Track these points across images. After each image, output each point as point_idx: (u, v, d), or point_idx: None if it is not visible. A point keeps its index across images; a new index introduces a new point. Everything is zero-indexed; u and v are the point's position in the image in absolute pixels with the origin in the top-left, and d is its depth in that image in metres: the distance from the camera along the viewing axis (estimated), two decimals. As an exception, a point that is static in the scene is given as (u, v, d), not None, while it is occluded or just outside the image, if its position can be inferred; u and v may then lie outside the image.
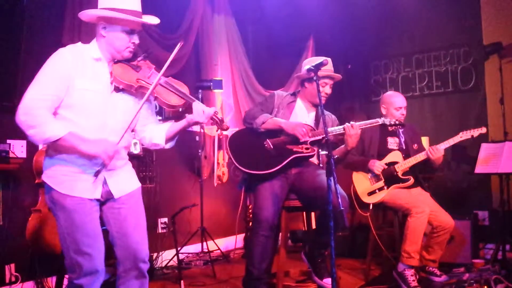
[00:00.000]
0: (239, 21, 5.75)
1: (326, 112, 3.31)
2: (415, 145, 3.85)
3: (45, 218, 3.38)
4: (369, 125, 3.21)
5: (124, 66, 2.20)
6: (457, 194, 4.87)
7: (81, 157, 2.12)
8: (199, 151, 4.80)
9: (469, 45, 5.01)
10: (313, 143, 3.12)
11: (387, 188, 3.67)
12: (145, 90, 2.18)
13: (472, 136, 3.61)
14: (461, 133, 3.62)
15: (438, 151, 3.58)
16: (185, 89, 2.27)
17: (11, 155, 3.28)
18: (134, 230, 2.26)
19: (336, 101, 5.56)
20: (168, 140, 2.36)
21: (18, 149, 3.49)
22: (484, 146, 4.15)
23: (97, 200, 2.20)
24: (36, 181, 3.47)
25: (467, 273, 3.60)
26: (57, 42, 3.76)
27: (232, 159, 3.16)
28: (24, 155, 3.54)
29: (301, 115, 3.29)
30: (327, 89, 3.23)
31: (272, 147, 3.13)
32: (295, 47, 5.84)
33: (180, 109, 2.35)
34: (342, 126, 3.13)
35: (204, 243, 4.53)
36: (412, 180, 3.66)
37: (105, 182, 2.22)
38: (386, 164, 3.70)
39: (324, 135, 2.99)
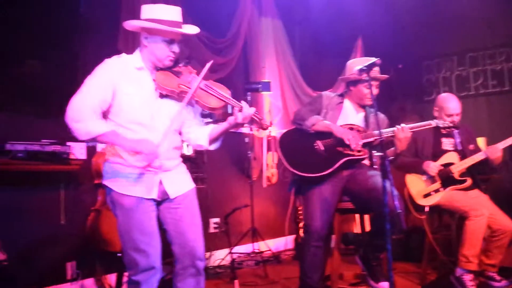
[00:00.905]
0: (286, 23, 5.78)
1: (374, 111, 3.27)
2: (471, 145, 3.73)
3: (104, 217, 3.50)
4: (421, 128, 3.13)
5: (166, 73, 2.29)
6: (516, 196, 4.67)
7: (138, 157, 2.19)
8: (249, 152, 4.84)
9: (526, 43, 4.82)
10: (364, 145, 3.06)
11: (443, 189, 3.57)
12: (184, 93, 2.25)
13: None
14: None
15: (496, 150, 3.46)
16: (226, 92, 2.31)
17: (71, 156, 3.42)
18: (191, 228, 2.33)
19: (386, 101, 5.46)
20: (211, 141, 2.40)
21: (78, 151, 3.63)
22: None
23: (154, 200, 2.28)
24: (95, 181, 3.60)
25: (529, 277, 3.46)
26: (112, 50, 3.87)
27: (283, 160, 3.12)
28: (84, 156, 3.68)
29: (350, 116, 3.23)
30: (373, 90, 3.11)
31: (323, 148, 3.08)
32: (342, 48, 5.78)
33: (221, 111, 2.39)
34: (392, 128, 3.04)
35: (255, 244, 4.56)
36: (469, 181, 3.55)
37: (161, 183, 2.29)
38: (441, 165, 3.61)
39: (376, 137, 2.99)
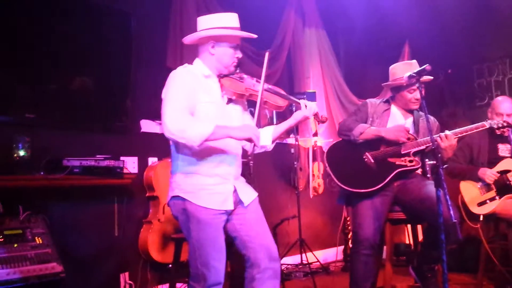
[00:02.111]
0: (330, 32, 5.76)
1: (422, 115, 3.14)
2: (529, 152, 3.57)
3: (155, 229, 3.60)
4: (469, 132, 2.95)
5: (230, 79, 2.37)
6: None
7: (214, 169, 2.26)
8: (294, 163, 4.83)
9: None
10: (416, 153, 2.96)
11: (499, 198, 3.43)
12: (254, 96, 2.34)
13: None
14: None
15: None
16: (284, 92, 2.47)
17: (124, 171, 3.52)
18: (264, 230, 2.35)
19: (437, 107, 5.32)
20: (274, 140, 2.49)
21: (130, 165, 3.76)
22: None
23: (228, 211, 2.29)
24: (147, 194, 3.72)
25: None
26: (162, 65, 4.03)
27: (332, 176, 3.04)
28: (136, 170, 3.80)
29: (399, 122, 3.14)
30: (416, 95, 3.03)
31: (373, 161, 2.99)
32: (388, 54, 5.66)
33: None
34: (435, 136, 2.89)
35: (303, 255, 4.53)
36: (527, 190, 3.40)
37: (234, 192, 2.32)
38: (498, 172, 3.47)
39: (427, 144, 2.90)
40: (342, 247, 5.22)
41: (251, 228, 2.32)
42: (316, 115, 2.47)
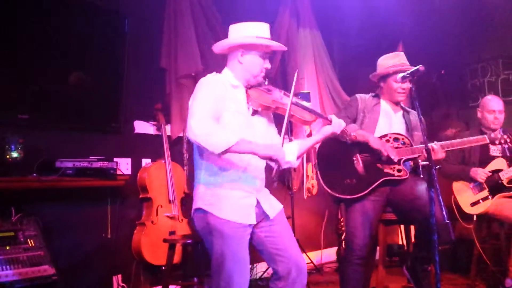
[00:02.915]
0: (325, 33, 5.75)
1: (412, 110, 3.16)
2: (520, 151, 3.60)
3: (148, 231, 3.59)
4: (468, 144, 2.95)
5: (258, 90, 2.34)
6: None
7: (238, 181, 2.22)
8: (289, 164, 4.82)
9: None
10: (407, 160, 2.93)
11: (492, 197, 3.46)
12: (281, 110, 2.29)
13: None
14: None
15: None
16: (312, 107, 2.43)
17: (118, 172, 3.51)
18: (291, 242, 2.31)
19: (429, 107, 5.35)
20: (298, 157, 2.39)
21: (123, 166, 3.75)
22: None
23: (251, 225, 2.24)
24: (140, 196, 3.70)
25: None
26: (155, 66, 4.02)
27: (321, 180, 3.01)
28: (129, 172, 3.79)
29: (388, 116, 3.12)
30: (405, 85, 3.00)
31: (361, 165, 2.96)
32: (382, 55, 5.70)
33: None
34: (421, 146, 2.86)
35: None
36: (519, 188, 3.43)
37: (257, 205, 2.27)
38: (489, 171, 3.49)
39: (420, 154, 2.86)
40: (336, 248, 5.23)
41: (278, 240, 2.27)
42: (344, 132, 2.43)
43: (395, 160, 2.85)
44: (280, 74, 5.39)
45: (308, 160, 5.26)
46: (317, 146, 3.17)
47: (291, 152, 2.32)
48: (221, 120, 2.19)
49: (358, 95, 3.20)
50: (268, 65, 2.33)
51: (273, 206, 2.36)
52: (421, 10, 5.43)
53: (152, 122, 3.95)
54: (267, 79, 2.38)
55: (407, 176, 2.86)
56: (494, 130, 3.63)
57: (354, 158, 2.97)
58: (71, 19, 3.48)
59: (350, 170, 2.94)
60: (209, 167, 2.23)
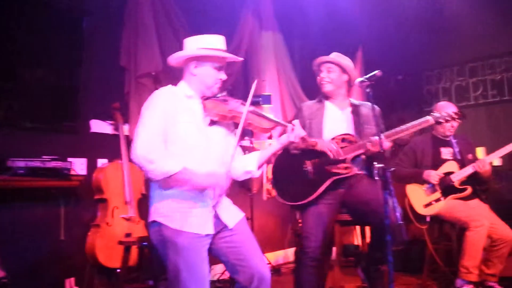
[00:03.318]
0: (286, 36, 5.81)
1: (363, 103, 3.17)
2: (470, 155, 3.74)
3: (103, 232, 3.51)
4: (411, 129, 2.90)
5: (213, 101, 2.34)
6: (517, 206, 4.65)
7: (191, 191, 2.19)
8: (249, 165, 4.82)
9: (525, 52, 4.82)
10: (355, 158, 2.92)
11: (444, 199, 3.57)
12: (238, 118, 2.29)
13: None
14: None
15: (485, 164, 3.48)
16: (271, 114, 2.45)
17: (72, 172, 3.43)
18: (254, 252, 2.28)
19: (386, 112, 5.45)
20: (259, 167, 2.43)
21: (78, 166, 3.66)
22: (545, 156, 3.97)
23: (209, 236, 2.21)
24: (95, 197, 3.62)
25: (530, 287, 3.43)
26: (115, 65, 3.95)
27: (274, 189, 3.05)
28: (84, 172, 3.70)
29: (334, 116, 3.10)
30: (324, 74, 3.09)
31: (311, 169, 2.94)
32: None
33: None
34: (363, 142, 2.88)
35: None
36: (469, 190, 3.56)
37: (215, 216, 2.25)
38: (442, 174, 3.61)
39: (364, 148, 2.85)
40: (294, 248, 5.28)
41: (240, 249, 2.25)
42: (304, 139, 2.41)
43: (340, 158, 2.86)
44: (242, 76, 5.40)
45: (268, 162, 5.27)
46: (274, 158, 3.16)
47: (251, 162, 2.40)
48: (172, 133, 2.18)
49: (303, 104, 3.26)
50: (223, 76, 2.34)
51: (233, 215, 2.34)
52: (381, 16, 5.58)
53: (109, 122, 3.88)
54: (225, 91, 2.38)
55: (354, 172, 2.88)
56: (447, 137, 3.76)
57: (304, 166, 2.98)
58: (26, 15, 3.38)
59: (301, 177, 2.95)
60: (161, 180, 2.18)
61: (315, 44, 6.02)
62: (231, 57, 2.35)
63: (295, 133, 2.34)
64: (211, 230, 2.21)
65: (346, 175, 2.89)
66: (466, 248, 3.35)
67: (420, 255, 3.95)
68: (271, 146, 2.45)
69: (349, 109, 3.13)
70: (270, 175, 5.21)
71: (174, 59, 2.35)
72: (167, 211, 2.18)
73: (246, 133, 5.09)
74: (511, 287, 3.53)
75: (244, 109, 2.28)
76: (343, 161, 2.89)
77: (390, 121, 5.37)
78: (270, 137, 5.30)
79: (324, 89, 3.11)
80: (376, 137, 2.74)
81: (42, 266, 3.39)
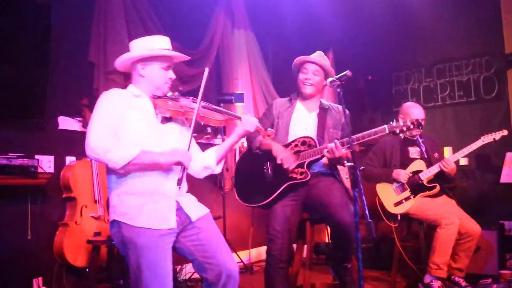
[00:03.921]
0: (259, 35, 5.82)
1: (333, 105, 3.18)
2: (436, 154, 3.84)
3: (71, 231, 3.45)
4: (367, 138, 2.83)
5: (164, 99, 2.35)
6: (482, 204, 4.77)
7: (150, 187, 2.17)
8: (221, 163, 4.82)
9: (491, 54, 4.95)
10: (311, 162, 2.93)
11: (414, 197, 3.64)
12: (190, 113, 2.30)
13: (494, 139, 3.59)
14: (482, 137, 3.63)
15: (450, 163, 3.57)
16: (223, 108, 2.48)
17: (39, 170, 3.36)
18: (221, 249, 2.26)
19: (357, 112, 5.55)
20: (218, 161, 2.44)
21: (46, 164, 3.58)
22: (509, 155, 4.12)
23: (171, 231, 2.18)
24: (64, 195, 3.55)
25: (495, 284, 3.54)
26: (83, 60, 3.87)
27: (236, 195, 3.09)
28: (51, 170, 3.63)
29: (300, 118, 3.11)
30: (308, 75, 3.07)
31: (270, 172, 2.98)
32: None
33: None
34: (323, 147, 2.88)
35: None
36: (438, 188, 3.64)
37: (178, 209, 2.23)
38: (410, 173, 3.68)
39: (321, 154, 2.86)
40: (265, 247, 5.28)
41: (207, 247, 2.23)
42: (259, 129, 2.46)
43: (287, 167, 2.87)
44: (215, 74, 5.38)
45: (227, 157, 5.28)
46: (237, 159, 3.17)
47: (210, 157, 2.42)
48: (123, 131, 2.17)
49: (275, 101, 3.24)
50: (172, 76, 2.35)
51: (197, 209, 2.33)
52: (351, 18, 5.65)
53: (77, 118, 3.80)
54: (177, 92, 2.41)
55: (307, 178, 2.88)
56: (414, 136, 3.84)
57: (265, 167, 3.00)
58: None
59: (261, 179, 2.98)
60: (119, 178, 2.18)
61: (287, 43, 6.06)
62: (178, 55, 2.35)
63: (249, 122, 2.39)
64: (173, 224, 2.18)
65: (300, 181, 2.90)
66: (437, 245, 3.42)
67: (389, 253, 4.02)
68: (228, 139, 2.47)
69: (317, 111, 3.13)
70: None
71: (121, 62, 2.33)
72: (125, 209, 2.15)
73: (219, 131, 5.08)
74: (477, 283, 3.63)
75: (196, 105, 2.29)
76: (301, 166, 2.91)
77: (361, 121, 5.49)
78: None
79: (305, 90, 3.10)
80: (333, 144, 2.79)
81: (9, 265, 3.32)
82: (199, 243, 2.24)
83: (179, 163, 2.17)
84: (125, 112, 2.19)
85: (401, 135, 3.07)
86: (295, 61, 3.14)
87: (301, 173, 2.90)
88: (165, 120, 2.34)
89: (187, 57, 2.42)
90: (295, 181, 2.91)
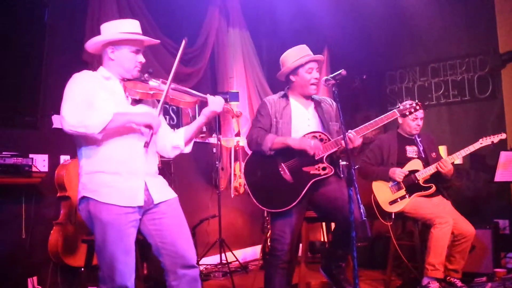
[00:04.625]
0: (254, 34, 5.82)
1: (323, 98, 3.14)
2: (433, 153, 3.84)
3: (66, 231, 3.43)
4: (380, 123, 2.88)
5: (134, 81, 2.36)
6: (477, 203, 4.81)
7: (120, 166, 2.21)
8: (216, 162, 4.82)
9: (485, 54, 4.98)
10: (329, 155, 2.87)
11: (409, 196, 3.64)
12: (159, 95, 2.32)
13: (492, 142, 3.61)
14: (481, 140, 3.62)
15: (447, 164, 3.58)
16: (190, 90, 2.50)
17: (33, 169, 3.34)
18: (180, 237, 2.30)
19: (351, 111, 5.57)
20: (187, 141, 2.49)
21: (40, 163, 3.56)
22: (503, 154, 4.14)
23: (139, 208, 2.22)
24: (58, 194, 3.53)
25: (490, 282, 3.56)
26: (77, 58, 3.85)
27: (252, 197, 2.94)
28: (46, 169, 3.61)
29: (300, 115, 3.02)
30: (315, 74, 2.98)
31: (288, 173, 2.88)
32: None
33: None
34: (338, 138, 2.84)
35: (222, 254, 4.53)
36: (434, 188, 3.65)
37: (146, 189, 2.26)
38: (407, 172, 3.68)
39: (338, 146, 2.83)
40: (261, 245, 5.30)
41: (167, 234, 2.27)
42: (228, 110, 2.50)
43: (317, 158, 2.82)
44: (209, 72, 5.37)
45: (236, 159, 5.28)
46: (244, 163, 3.07)
47: (178, 137, 2.47)
48: (95, 105, 2.19)
49: (266, 99, 3.10)
50: (142, 59, 2.36)
51: (163, 192, 2.34)
52: (347, 16, 5.66)
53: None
54: (147, 74, 2.40)
55: (332, 172, 2.84)
56: (413, 135, 3.85)
57: (280, 168, 2.91)
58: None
59: (279, 182, 2.88)
60: (88, 156, 2.23)
61: (282, 42, 6.05)
62: (147, 39, 2.38)
63: (220, 103, 2.43)
64: (141, 202, 2.22)
65: (325, 176, 2.83)
66: (431, 246, 3.42)
67: (385, 251, 4.03)
68: (196, 120, 2.49)
69: (312, 105, 3.07)
70: (237, 172, 5.22)
71: (92, 45, 2.35)
72: (94, 185, 2.18)
73: (213, 129, 5.07)
74: (472, 282, 3.64)
75: (165, 86, 2.32)
76: (320, 161, 2.85)
77: (355, 120, 5.49)
78: (238, 134, 5.32)
79: (313, 91, 3.01)
80: (351, 134, 2.78)
81: (3, 265, 3.30)
82: (160, 228, 2.28)
83: (149, 126, 2.22)
84: (96, 90, 2.22)
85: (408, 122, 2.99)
86: (302, 59, 2.98)
87: (323, 168, 2.83)
88: (135, 102, 2.37)
89: (156, 41, 2.44)
90: (320, 177, 2.83)
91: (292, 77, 3.04)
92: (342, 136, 2.70)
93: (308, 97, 3.09)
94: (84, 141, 2.23)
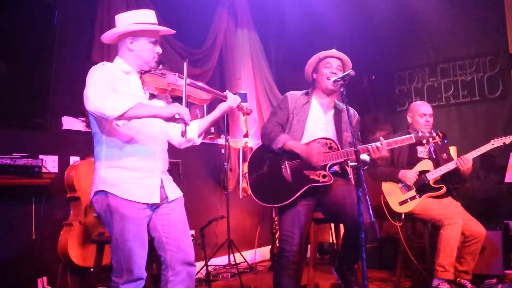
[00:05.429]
0: (262, 35, 5.82)
1: (346, 108, 2.87)
2: (444, 154, 3.81)
3: (76, 231, 3.45)
4: (399, 144, 2.90)
5: (152, 75, 2.37)
6: (487, 204, 4.77)
7: (140, 161, 2.25)
8: (225, 163, 4.83)
9: (494, 54, 4.95)
10: (334, 164, 2.88)
11: (419, 197, 3.62)
12: (177, 91, 2.34)
13: (504, 143, 3.57)
14: (492, 141, 3.59)
15: (468, 161, 3.54)
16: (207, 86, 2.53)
17: (43, 170, 3.36)
18: (184, 234, 2.36)
19: (360, 112, 5.52)
20: (200, 134, 2.53)
21: (50, 164, 3.58)
22: (513, 155, 4.10)
23: (152, 206, 2.29)
24: (68, 195, 3.55)
25: (500, 284, 3.53)
26: (87, 59, 3.87)
27: (250, 189, 2.98)
28: (56, 170, 3.63)
29: (317, 118, 3.00)
30: (334, 70, 2.95)
31: (289, 172, 2.89)
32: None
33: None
34: (369, 144, 2.82)
35: (231, 255, 4.53)
36: (444, 189, 3.62)
37: (162, 186, 2.32)
38: (417, 172, 3.66)
39: (345, 158, 2.82)
40: (270, 246, 5.29)
41: (172, 230, 2.33)
42: (240, 107, 2.55)
43: (318, 166, 2.82)
44: (218, 73, 5.38)
45: (244, 160, 5.28)
46: (249, 157, 3.12)
47: (192, 129, 2.47)
48: (117, 92, 2.19)
49: (289, 94, 3.08)
50: (159, 50, 2.37)
51: (174, 191, 2.40)
52: (356, 17, 5.65)
53: (81, 118, 3.80)
54: (161, 64, 2.42)
55: (331, 182, 2.81)
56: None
57: (283, 166, 2.92)
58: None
59: (278, 178, 2.91)
60: (109, 150, 2.24)
61: (290, 42, 6.06)
62: (165, 29, 2.39)
63: (233, 98, 2.48)
64: (157, 200, 2.29)
65: (322, 184, 2.83)
66: (441, 247, 3.40)
67: (394, 252, 4.01)
68: (211, 114, 2.52)
69: (332, 112, 3.05)
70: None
71: (109, 35, 2.35)
72: (115, 181, 2.21)
73: (221, 130, 5.08)
74: (483, 283, 3.61)
75: (182, 82, 2.32)
76: (323, 168, 2.84)
77: (364, 121, 5.47)
78: (246, 135, 5.32)
79: (331, 87, 2.93)
80: (378, 143, 2.79)
81: (13, 265, 3.32)
82: (167, 223, 2.33)
83: (179, 116, 2.18)
84: (117, 83, 2.22)
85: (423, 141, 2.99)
86: (316, 57, 3.01)
87: (324, 176, 2.82)
88: (152, 96, 2.39)
89: (172, 31, 2.44)
90: (317, 184, 2.83)
91: (315, 75, 3.06)
92: (352, 148, 2.72)
93: (331, 101, 3.06)
94: (107, 135, 2.24)
